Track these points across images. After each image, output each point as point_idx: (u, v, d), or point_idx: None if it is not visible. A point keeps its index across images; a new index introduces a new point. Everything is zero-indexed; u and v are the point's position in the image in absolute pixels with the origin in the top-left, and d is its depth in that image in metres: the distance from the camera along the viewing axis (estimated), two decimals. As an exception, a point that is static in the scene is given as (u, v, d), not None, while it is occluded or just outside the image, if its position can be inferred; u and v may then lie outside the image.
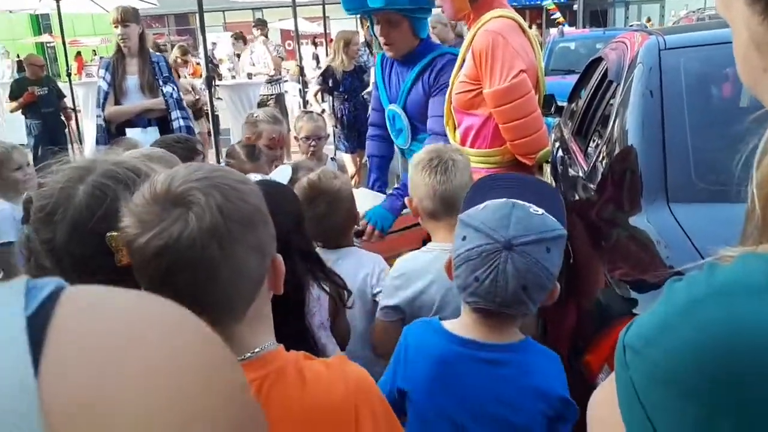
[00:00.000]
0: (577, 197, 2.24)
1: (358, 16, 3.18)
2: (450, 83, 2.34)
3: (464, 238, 1.11)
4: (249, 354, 0.87)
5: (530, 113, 2.10)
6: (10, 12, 13.33)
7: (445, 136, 2.49)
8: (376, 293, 1.78)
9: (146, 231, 0.78)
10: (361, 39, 6.14)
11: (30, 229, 1.01)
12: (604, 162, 2.07)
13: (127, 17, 3.86)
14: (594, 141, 2.52)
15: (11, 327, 0.24)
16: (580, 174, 2.37)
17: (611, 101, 2.42)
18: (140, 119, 3.96)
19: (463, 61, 2.24)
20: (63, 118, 7.24)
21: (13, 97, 6.93)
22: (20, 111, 6.92)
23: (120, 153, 2.73)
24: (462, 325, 1.20)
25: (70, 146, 7.13)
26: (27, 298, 0.26)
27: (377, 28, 2.66)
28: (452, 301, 1.56)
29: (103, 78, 3.96)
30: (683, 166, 1.65)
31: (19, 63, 7.38)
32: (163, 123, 3.99)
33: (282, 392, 0.87)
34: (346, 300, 1.55)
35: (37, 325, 0.25)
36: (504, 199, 1.14)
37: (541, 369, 1.16)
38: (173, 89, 4.13)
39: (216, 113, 5.82)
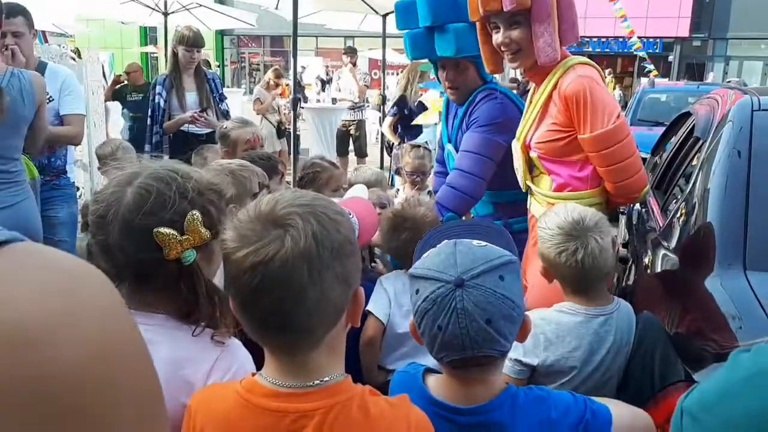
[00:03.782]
0: (649, 253, 2.16)
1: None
2: (521, 132, 2.28)
3: (417, 291, 1.08)
4: (318, 381, 0.89)
5: (632, 154, 2.05)
6: (123, 23, 14.33)
7: (469, 173, 2.47)
8: None
9: (244, 246, 0.84)
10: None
11: (89, 234, 1.09)
12: (681, 220, 1.99)
13: (201, 43, 4.13)
14: (674, 197, 2.43)
15: None
16: (655, 229, 2.29)
17: (695, 158, 2.33)
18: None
19: (543, 108, 2.18)
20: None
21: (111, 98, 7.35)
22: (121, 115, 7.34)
23: (206, 159, 2.88)
24: (443, 384, 1.13)
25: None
26: None
27: (442, 73, 2.66)
28: (590, 366, 1.54)
29: (160, 95, 4.10)
30: (765, 233, 1.57)
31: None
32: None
33: (345, 425, 0.88)
34: None
35: None
36: (444, 241, 1.12)
37: (524, 419, 1.09)
38: (227, 106, 4.36)
39: (298, 133, 6.01)
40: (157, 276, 1.07)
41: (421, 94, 5.53)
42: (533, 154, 2.23)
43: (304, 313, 0.85)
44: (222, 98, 4.30)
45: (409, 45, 2.73)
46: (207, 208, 1.10)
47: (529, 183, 2.30)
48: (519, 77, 7.82)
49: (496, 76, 2.81)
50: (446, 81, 2.63)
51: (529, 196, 2.36)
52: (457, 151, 2.65)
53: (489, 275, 1.03)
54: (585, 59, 2.16)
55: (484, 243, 1.11)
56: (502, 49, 2.15)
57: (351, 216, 1.81)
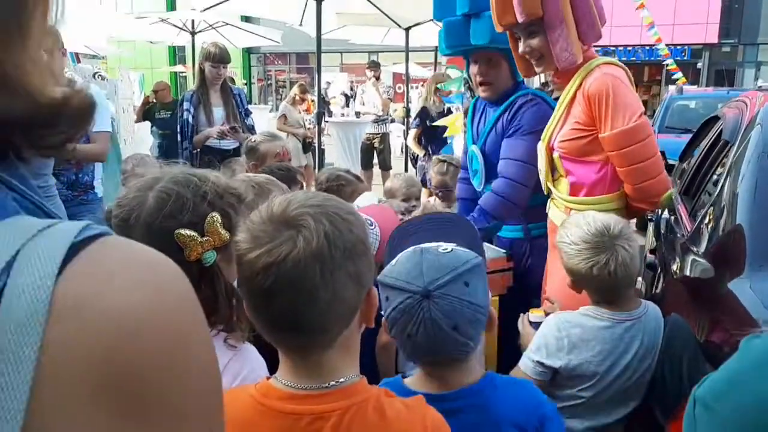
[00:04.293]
0: (677, 258, 2.11)
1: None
2: (546, 134, 2.27)
3: (387, 299, 1.12)
4: (333, 383, 0.89)
5: (653, 155, 2.01)
6: (152, 43, 14.67)
7: (515, 181, 2.46)
8: None
9: (257, 247, 0.84)
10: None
11: None
12: (709, 225, 1.95)
13: (227, 59, 4.18)
14: (701, 202, 2.38)
15: (60, 244, 0.36)
16: (684, 234, 2.24)
17: (724, 162, 2.28)
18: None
19: (567, 108, 2.18)
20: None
21: (142, 118, 7.51)
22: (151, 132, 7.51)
23: (234, 171, 2.91)
24: (420, 380, 1.19)
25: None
26: (81, 231, 0.38)
27: (474, 68, 2.65)
28: (614, 370, 1.53)
29: (188, 111, 4.12)
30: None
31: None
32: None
33: (361, 427, 0.87)
34: None
35: (76, 247, 0.37)
36: (411, 248, 1.15)
37: (505, 400, 1.12)
38: (253, 121, 4.41)
39: (323, 147, 6.06)
40: None
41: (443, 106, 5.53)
42: (555, 155, 2.22)
43: (316, 313, 0.85)
44: (247, 113, 4.35)
45: (444, 33, 2.73)
46: (226, 210, 1.11)
47: (550, 185, 2.29)
48: (540, 83, 7.77)
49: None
50: (478, 75, 2.62)
51: (549, 200, 2.34)
52: (482, 153, 2.64)
53: (454, 284, 1.07)
54: (611, 59, 2.15)
55: (449, 247, 1.14)
56: (527, 57, 2.19)
57: (373, 227, 1.81)
